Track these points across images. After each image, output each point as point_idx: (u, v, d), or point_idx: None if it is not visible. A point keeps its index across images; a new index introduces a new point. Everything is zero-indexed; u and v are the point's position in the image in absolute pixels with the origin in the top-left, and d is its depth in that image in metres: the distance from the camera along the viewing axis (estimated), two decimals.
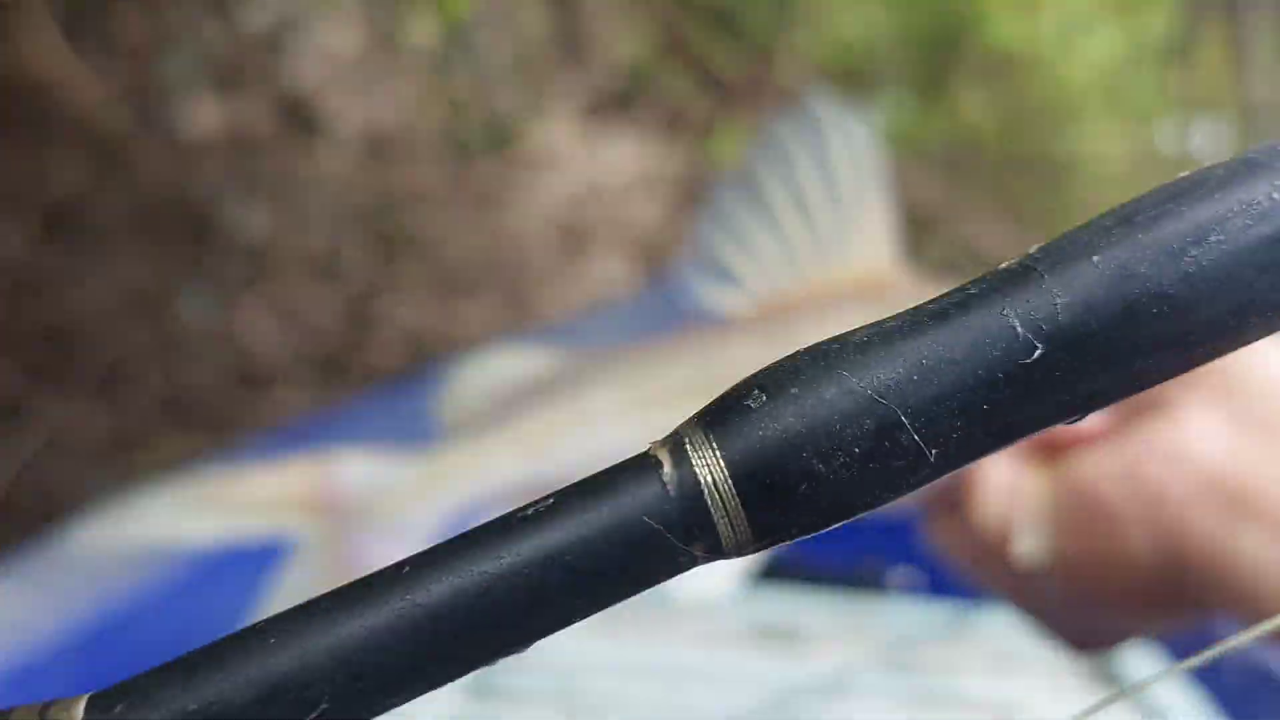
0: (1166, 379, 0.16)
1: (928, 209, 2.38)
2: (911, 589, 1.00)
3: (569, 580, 0.15)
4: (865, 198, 0.49)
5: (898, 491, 0.15)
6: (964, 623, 0.77)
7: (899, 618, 0.78)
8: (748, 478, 0.15)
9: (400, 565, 0.15)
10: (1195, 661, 0.19)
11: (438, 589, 0.15)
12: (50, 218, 1.75)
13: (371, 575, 0.15)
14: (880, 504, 0.16)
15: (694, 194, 2.21)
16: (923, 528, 0.43)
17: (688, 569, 0.16)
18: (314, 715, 0.15)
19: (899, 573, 1.06)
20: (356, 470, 0.49)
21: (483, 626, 0.15)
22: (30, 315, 1.65)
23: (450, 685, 0.55)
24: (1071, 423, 0.16)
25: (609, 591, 0.15)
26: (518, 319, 2.02)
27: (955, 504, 0.39)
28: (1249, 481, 0.32)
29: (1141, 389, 0.16)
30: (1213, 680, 0.69)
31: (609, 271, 2.22)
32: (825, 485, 0.15)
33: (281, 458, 0.53)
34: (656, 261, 2.15)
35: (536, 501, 0.16)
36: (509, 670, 0.68)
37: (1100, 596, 0.36)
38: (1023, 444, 0.38)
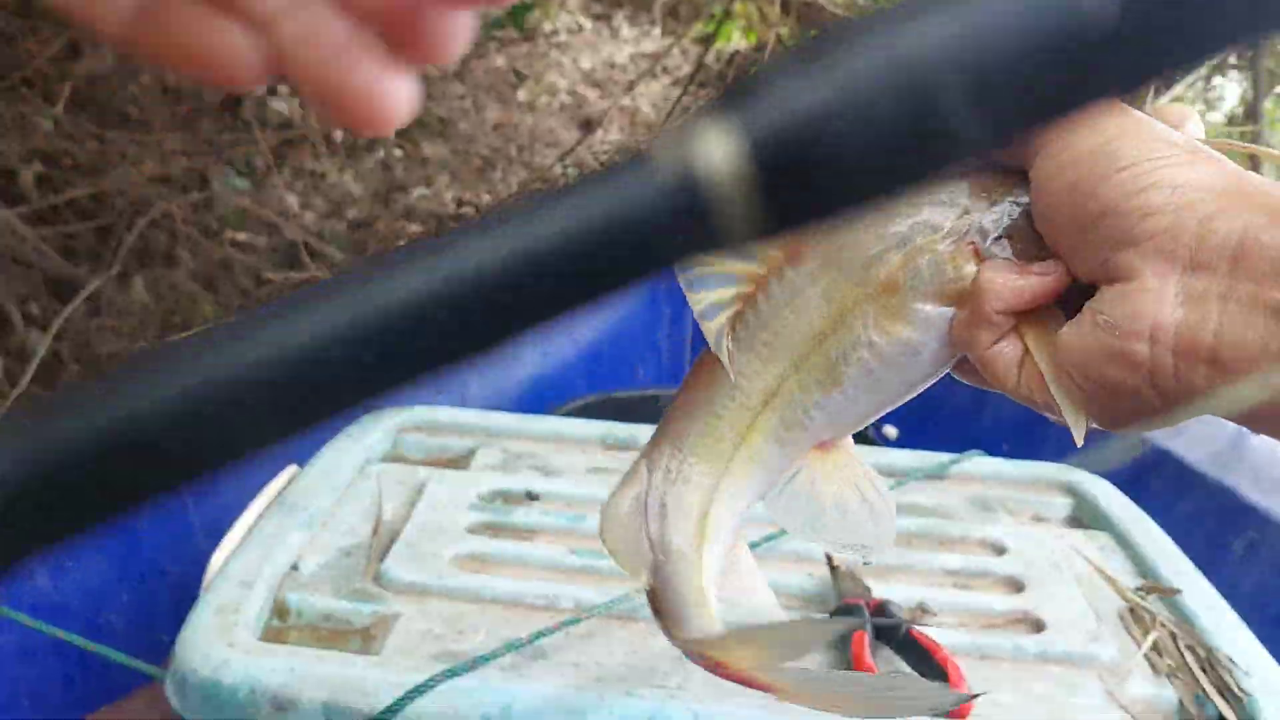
0: (1231, 46, 0.14)
1: None
2: (899, 442, 1.05)
3: (569, 265, 0.13)
4: None
5: (937, 166, 0.13)
6: (949, 472, 0.81)
7: (888, 465, 0.81)
8: (772, 154, 0.13)
9: (367, 265, 0.13)
10: None
11: (413, 283, 0.13)
12: (79, 97, 1.73)
13: (328, 280, 0.13)
14: (918, 182, 0.13)
15: (700, 79, 2.21)
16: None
17: (698, 253, 0.14)
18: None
19: (888, 427, 1.13)
20: None
21: (469, 319, 0.13)
22: (66, 193, 1.65)
23: (465, 524, 0.53)
24: (1125, 95, 0.14)
25: (611, 278, 0.13)
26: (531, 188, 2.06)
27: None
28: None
29: (1204, 59, 0.14)
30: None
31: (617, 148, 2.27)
32: (860, 159, 0.13)
33: None
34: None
35: (524, 195, 0.14)
36: (521, 511, 0.70)
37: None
38: (995, 318, 0.36)
